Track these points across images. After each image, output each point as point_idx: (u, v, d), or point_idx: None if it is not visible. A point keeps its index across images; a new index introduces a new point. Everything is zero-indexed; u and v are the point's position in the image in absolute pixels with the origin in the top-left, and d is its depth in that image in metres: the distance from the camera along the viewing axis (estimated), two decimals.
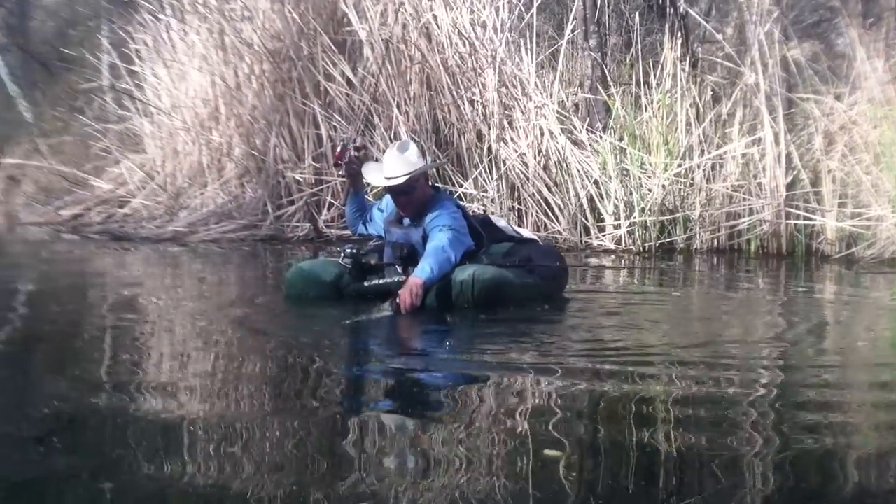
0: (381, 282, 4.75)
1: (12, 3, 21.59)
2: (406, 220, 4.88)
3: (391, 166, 4.79)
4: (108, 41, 13.67)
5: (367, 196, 5.51)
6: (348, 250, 4.85)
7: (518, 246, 5.08)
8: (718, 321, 4.75)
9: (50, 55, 19.13)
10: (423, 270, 4.47)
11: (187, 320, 4.47)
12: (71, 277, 6.57)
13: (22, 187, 17.02)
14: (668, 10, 8.93)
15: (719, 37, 8.76)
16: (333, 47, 9.88)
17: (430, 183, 5.05)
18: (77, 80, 14.85)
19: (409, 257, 4.73)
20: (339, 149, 4.96)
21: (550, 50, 9.73)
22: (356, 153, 4.93)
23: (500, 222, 5.33)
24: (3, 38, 21.96)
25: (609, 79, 9.36)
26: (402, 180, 4.71)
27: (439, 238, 4.59)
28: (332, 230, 9.33)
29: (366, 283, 4.81)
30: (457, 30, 9.47)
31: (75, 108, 14.29)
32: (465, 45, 9.45)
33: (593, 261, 7.98)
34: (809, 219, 7.97)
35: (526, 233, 5.39)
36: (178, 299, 5.27)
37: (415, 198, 4.81)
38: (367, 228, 5.21)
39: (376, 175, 4.93)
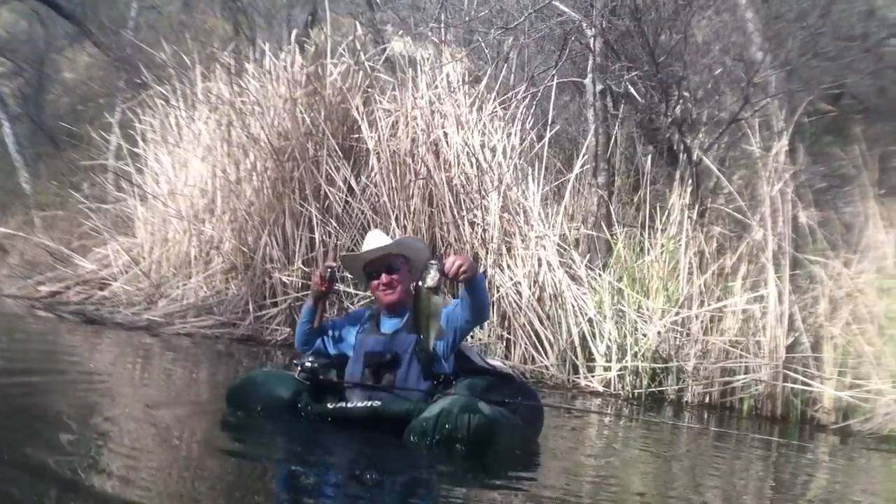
0: (351, 405, 4.22)
1: (30, 74, 21.78)
2: (390, 324, 4.48)
3: (376, 240, 4.61)
4: (117, 122, 13.64)
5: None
6: (308, 364, 4.32)
7: (499, 382, 4.58)
8: (700, 490, 4.35)
9: (59, 130, 19.18)
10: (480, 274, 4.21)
11: (132, 418, 4.09)
12: (26, 358, 6.22)
13: (9, 258, 16.76)
14: (680, 156, 8.79)
15: (732, 189, 8.55)
16: (340, 152, 9.74)
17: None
18: (80, 157, 14.74)
19: (389, 365, 4.30)
20: (326, 278, 4.51)
21: (557, 182, 9.58)
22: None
23: (471, 352, 4.79)
24: (16, 107, 22.12)
25: (614, 218, 9.15)
26: (389, 244, 4.53)
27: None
28: None
29: (330, 406, 4.27)
30: (466, 150, 9.33)
31: (74, 184, 14.13)
32: (472, 167, 9.30)
33: (578, 402, 7.60)
34: (807, 384, 7.62)
35: (498, 365, 4.89)
36: (125, 394, 4.90)
37: (399, 282, 4.48)
38: (327, 346, 4.67)
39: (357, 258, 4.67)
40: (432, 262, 4.02)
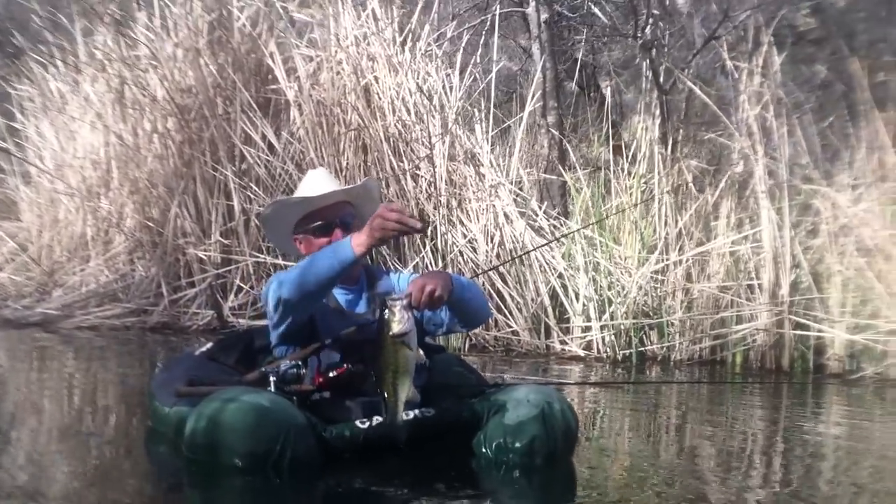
0: (398, 419, 2.74)
1: None
2: (347, 299, 3.19)
3: (325, 182, 3.31)
4: None
5: None
6: (289, 370, 2.92)
7: (458, 359, 3.63)
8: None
9: None
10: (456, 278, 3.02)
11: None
12: None
13: None
14: (643, 77, 7.80)
15: (717, 110, 7.53)
16: (255, 107, 8.44)
17: None
18: None
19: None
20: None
21: (507, 124, 8.51)
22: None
23: None
24: None
25: (574, 159, 8.13)
26: (355, 185, 3.37)
27: None
28: (241, 319, 7.73)
29: (361, 424, 2.84)
30: (401, 95, 8.15)
31: None
32: (409, 114, 8.14)
33: (558, 371, 6.55)
34: (819, 329, 6.71)
35: None
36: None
37: None
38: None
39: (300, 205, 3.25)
40: (394, 298, 2.64)
